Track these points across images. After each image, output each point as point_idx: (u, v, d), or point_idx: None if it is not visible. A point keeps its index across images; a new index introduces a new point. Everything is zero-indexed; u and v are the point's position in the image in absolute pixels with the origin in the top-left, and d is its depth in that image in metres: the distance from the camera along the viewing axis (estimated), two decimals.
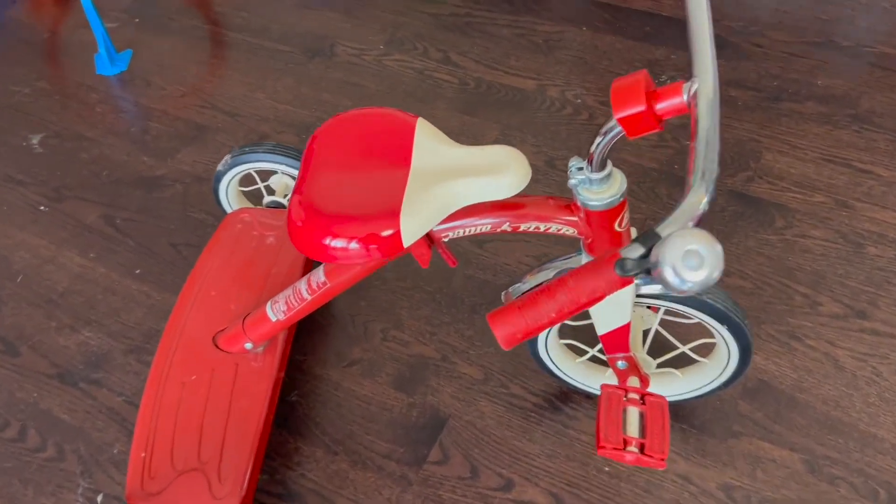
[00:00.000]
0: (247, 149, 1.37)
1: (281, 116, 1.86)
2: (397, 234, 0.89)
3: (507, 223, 0.97)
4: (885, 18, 2.03)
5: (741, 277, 1.47)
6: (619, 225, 0.93)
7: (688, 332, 1.35)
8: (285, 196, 1.47)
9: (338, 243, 0.89)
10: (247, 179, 1.57)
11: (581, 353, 1.27)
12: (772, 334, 1.38)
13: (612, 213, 0.93)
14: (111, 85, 1.97)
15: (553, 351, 1.23)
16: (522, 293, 1.10)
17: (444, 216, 0.92)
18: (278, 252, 1.36)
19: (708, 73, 0.80)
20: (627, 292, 0.99)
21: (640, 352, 1.17)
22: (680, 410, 1.29)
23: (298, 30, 2.12)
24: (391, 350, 1.40)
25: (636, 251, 0.63)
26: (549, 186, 1.66)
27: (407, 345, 1.40)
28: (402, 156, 0.95)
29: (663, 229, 0.65)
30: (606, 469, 1.23)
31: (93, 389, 1.37)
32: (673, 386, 1.24)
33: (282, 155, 1.36)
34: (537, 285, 1.07)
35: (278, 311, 1.16)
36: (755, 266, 1.48)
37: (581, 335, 1.29)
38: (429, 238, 1.00)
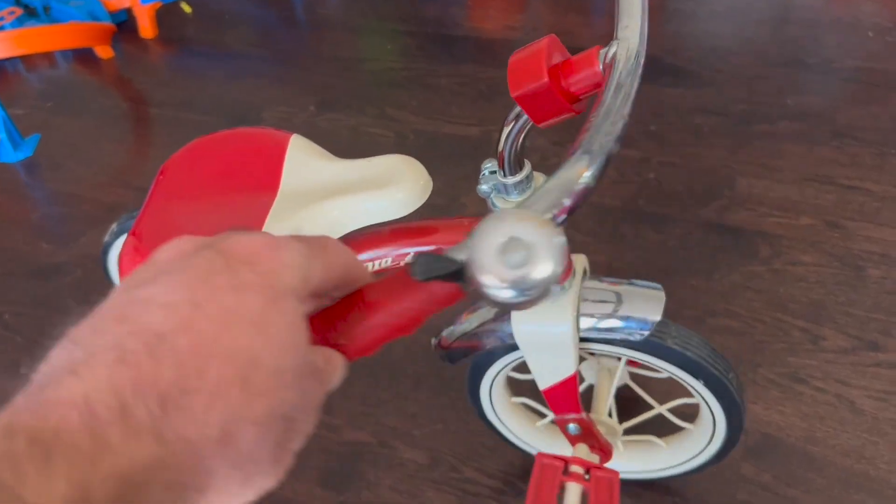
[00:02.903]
0: (134, 213, 1.17)
1: None
2: None
3: (412, 254, 0.76)
4: (852, 34, 1.89)
5: (729, 317, 1.25)
6: None
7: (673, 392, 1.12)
8: None
9: None
10: None
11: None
12: (771, 378, 1.15)
13: None
14: (15, 172, 1.79)
15: (505, 414, 0.99)
16: (459, 336, 0.88)
17: None
18: None
19: (633, 33, 0.61)
20: (567, 335, 0.76)
21: (601, 415, 0.94)
22: (670, 480, 1.05)
23: (225, 100, 1.95)
24: (318, 439, 1.16)
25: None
26: None
27: (337, 430, 1.16)
28: (269, 178, 0.74)
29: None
30: None
31: None
32: (655, 459, 1.00)
33: None
34: (479, 326, 0.85)
35: None
36: (744, 302, 1.27)
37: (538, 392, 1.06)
38: None
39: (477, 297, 0.35)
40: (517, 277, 0.33)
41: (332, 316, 0.38)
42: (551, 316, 0.75)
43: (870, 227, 1.37)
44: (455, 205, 1.53)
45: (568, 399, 0.81)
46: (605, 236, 1.42)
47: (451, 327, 0.88)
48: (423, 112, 1.81)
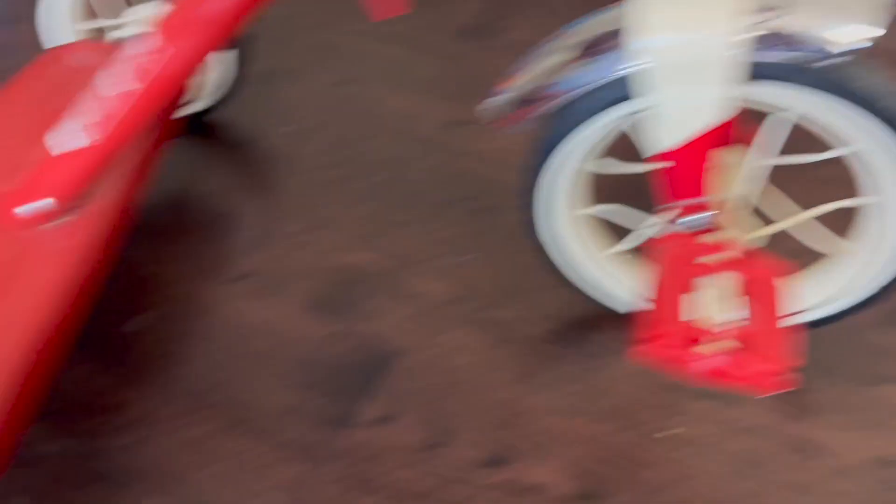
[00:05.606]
0: None
1: None
2: None
3: None
4: None
5: None
6: None
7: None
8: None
9: None
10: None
11: (619, 235, 0.75)
12: None
13: None
14: None
15: (566, 229, 0.71)
16: (533, 88, 0.61)
17: None
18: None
19: None
20: (719, 50, 0.48)
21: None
22: None
23: None
24: (308, 258, 0.87)
25: None
26: None
27: (335, 251, 0.88)
28: None
29: None
30: (657, 436, 0.71)
31: None
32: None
33: None
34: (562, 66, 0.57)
35: (91, 126, 0.65)
36: None
37: (619, 189, 0.77)
38: None
39: None
40: None
41: None
42: (697, 18, 0.47)
43: None
44: None
45: (699, 167, 0.53)
46: None
47: (516, 84, 0.61)
48: None
